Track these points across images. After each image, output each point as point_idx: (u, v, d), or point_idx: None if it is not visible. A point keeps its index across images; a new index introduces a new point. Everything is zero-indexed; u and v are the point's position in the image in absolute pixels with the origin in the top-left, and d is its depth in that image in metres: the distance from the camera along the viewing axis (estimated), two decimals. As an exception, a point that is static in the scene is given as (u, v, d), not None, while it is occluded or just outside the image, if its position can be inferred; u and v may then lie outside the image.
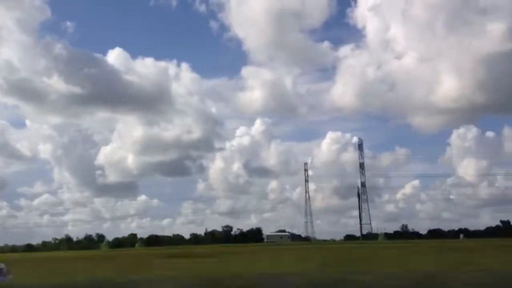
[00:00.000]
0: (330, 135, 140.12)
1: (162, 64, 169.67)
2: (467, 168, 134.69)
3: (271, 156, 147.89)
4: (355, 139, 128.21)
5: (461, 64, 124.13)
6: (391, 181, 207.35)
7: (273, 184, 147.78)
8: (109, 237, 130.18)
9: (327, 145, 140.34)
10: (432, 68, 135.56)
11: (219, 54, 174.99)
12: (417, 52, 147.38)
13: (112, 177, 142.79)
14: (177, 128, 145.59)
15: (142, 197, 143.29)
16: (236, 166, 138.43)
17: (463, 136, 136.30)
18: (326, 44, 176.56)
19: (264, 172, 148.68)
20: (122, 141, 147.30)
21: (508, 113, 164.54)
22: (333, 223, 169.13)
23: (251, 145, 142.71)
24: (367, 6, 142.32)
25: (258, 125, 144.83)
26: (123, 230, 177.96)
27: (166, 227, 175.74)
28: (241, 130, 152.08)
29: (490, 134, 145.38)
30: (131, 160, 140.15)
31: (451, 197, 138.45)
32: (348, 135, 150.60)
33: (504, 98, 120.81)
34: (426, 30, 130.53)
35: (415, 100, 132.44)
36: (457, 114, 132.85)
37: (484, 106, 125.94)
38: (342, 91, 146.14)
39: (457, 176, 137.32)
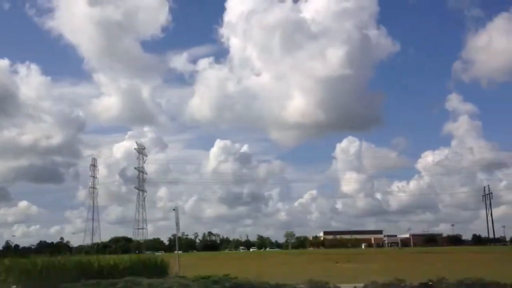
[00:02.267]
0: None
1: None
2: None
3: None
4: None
5: (304, 85, 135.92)
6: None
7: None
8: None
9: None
10: (281, 87, 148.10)
11: (57, 58, 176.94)
12: (269, 70, 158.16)
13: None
14: (34, 132, 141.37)
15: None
16: (112, 174, 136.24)
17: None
18: (184, 56, 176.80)
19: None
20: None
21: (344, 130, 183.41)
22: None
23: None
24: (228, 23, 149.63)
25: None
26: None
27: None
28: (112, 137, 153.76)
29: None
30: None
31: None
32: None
33: (340, 116, 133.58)
34: (274, 50, 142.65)
35: (268, 114, 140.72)
36: (305, 129, 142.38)
37: (326, 122, 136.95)
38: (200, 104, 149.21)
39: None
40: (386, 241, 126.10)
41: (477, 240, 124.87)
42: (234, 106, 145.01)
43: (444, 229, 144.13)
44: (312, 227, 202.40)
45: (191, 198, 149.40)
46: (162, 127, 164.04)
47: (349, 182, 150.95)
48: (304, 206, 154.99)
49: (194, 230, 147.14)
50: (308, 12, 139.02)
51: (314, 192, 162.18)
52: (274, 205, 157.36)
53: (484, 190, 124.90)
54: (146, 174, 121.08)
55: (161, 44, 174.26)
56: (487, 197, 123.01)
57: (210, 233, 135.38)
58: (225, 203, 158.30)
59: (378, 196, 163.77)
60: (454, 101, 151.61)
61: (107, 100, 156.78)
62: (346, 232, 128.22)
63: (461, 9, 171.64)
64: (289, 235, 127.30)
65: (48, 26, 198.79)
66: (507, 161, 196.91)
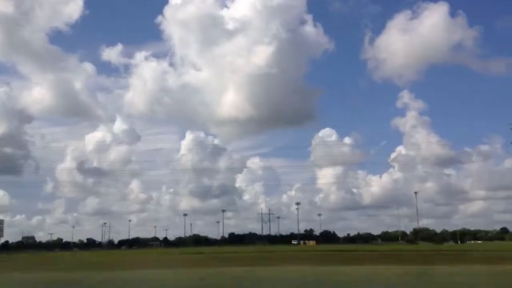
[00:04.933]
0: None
1: None
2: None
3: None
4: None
5: (234, 81, 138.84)
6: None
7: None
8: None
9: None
10: (211, 83, 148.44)
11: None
12: (196, 66, 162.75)
13: None
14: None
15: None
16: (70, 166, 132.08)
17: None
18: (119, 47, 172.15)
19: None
20: None
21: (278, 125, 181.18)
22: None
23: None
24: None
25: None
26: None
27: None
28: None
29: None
30: None
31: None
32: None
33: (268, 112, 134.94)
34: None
35: (204, 110, 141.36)
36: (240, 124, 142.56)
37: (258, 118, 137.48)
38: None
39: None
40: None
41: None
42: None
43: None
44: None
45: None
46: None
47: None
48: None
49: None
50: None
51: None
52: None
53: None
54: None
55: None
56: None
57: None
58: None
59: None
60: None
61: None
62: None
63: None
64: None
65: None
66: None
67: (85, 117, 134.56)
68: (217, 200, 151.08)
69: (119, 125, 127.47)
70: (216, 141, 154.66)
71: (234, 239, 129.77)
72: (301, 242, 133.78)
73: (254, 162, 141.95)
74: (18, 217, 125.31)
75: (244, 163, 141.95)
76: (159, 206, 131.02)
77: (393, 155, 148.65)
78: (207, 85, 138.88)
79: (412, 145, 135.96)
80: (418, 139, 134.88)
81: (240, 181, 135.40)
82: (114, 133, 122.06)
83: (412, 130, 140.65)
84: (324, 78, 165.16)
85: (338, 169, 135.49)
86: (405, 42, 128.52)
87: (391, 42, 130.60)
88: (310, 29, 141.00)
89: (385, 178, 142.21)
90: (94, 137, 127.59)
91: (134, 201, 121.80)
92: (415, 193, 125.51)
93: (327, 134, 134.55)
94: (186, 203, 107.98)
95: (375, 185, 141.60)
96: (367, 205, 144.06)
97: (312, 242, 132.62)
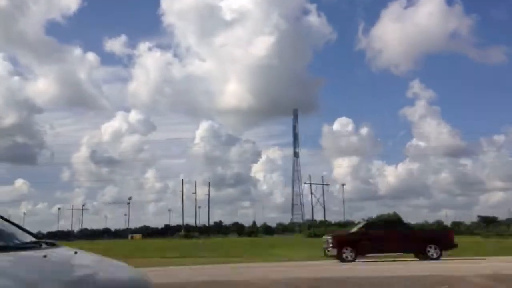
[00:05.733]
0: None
1: None
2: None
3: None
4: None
5: (236, 72, 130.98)
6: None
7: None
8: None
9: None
10: (215, 74, 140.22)
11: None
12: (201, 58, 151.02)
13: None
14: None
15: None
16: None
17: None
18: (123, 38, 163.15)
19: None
20: None
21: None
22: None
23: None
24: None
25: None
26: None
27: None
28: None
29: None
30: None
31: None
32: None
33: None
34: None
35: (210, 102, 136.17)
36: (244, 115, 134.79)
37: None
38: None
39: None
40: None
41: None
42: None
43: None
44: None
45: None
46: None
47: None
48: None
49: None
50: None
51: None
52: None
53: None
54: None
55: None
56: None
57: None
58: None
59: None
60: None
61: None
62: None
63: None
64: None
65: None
66: None
67: (91, 107, 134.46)
68: (234, 189, 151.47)
69: (131, 115, 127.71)
70: (230, 131, 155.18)
71: (269, 229, 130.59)
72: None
73: (271, 152, 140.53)
74: (40, 205, 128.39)
75: (260, 152, 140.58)
76: (175, 195, 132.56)
77: (407, 146, 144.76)
78: (213, 76, 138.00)
79: (423, 136, 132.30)
80: (429, 129, 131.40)
81: (255, 170, 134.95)
82: (130, 123, 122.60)
83: (421, 120, 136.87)
84: (327, 68, 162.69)
85: (354, 159, 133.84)
86: (400, 31, 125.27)
87: (387, 31, 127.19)
88: (313, 19, 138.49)
89: (401, 168, 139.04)
90: (109, 126, 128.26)
91: (151, 190, 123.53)
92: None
93: (343, 123, 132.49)
94: (202, 191, 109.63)
95: (391, 175, 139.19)
96: (383, 196, 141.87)
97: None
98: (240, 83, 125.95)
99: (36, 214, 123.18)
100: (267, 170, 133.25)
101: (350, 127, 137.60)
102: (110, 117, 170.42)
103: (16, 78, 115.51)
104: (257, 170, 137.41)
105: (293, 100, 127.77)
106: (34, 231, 3.14)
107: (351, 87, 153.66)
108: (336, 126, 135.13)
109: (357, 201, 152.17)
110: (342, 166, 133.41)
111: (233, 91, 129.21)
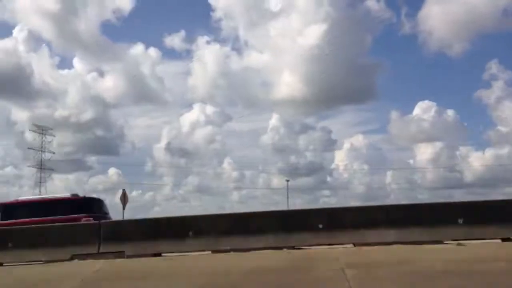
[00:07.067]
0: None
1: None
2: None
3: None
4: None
5: (290, 63, 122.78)
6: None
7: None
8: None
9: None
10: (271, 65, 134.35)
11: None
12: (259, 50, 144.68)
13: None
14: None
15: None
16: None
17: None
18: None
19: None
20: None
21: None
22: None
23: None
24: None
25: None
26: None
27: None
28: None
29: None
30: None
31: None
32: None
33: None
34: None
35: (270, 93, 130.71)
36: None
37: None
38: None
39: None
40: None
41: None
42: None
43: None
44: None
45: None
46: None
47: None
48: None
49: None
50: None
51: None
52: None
53: None
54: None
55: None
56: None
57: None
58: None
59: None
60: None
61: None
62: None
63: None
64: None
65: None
66: None
67: (159, 101, 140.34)
68: (310, 178, 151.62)
69: (203, 107, 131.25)
70: (306, 120, 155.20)
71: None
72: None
73: (350, 141, 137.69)
74: (134, 193, 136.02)
75: (335, 141, 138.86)
76: (255, 184, 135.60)
77: (489, 130, 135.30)
78: (271, 67, 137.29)
79: (506, 119, 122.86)
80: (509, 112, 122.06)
81: (333, 159, 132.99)
82: (206, 114, 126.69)
83: (499, 103, 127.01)
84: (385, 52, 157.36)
85: (437, 145, 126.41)
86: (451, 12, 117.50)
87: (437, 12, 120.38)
88: (371, 3, 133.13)
89: (489, 154, 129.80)
90: (184, 119, 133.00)
91: (229, 179, 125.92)
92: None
93: (426, 107, 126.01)
94: (278, 181, 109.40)
95: (478, 162, 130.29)
96: (471, 183, 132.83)
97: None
98: (303, 72, 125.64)
99: (133, 201, 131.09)
100: (345, 159, 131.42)
101: (432, 111, 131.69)
102: (182, 110, 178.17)
103: (89, 76, 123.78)
104: (335, 159, 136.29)
105: (361, 86, 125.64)
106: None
107: (414, 70, 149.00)
108: (416, 110, 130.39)
109: (442, 189, 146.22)
110: (425, 153, 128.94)
111: (297, 81, 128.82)
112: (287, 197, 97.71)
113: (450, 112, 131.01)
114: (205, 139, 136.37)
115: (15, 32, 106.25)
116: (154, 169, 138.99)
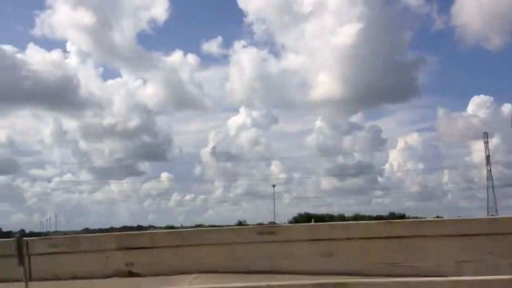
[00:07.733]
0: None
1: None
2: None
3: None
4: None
5: (328, 63, 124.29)
6: None
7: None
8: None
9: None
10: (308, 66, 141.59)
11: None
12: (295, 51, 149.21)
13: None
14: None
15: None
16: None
17: None
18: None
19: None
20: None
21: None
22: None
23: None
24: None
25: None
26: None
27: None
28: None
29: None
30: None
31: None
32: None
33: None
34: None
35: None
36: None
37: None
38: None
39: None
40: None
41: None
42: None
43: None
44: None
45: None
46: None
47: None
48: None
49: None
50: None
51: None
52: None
53: None
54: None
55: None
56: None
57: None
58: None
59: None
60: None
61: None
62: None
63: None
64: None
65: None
66: None
67: (197, 107, 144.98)
68: (359, 179, 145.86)
69: (248, 112, 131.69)
70: (353, 119, 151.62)
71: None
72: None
73: (400, 140, 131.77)
74: (187, 196, 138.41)
75: (385, 141, 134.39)
76: (304, 187, 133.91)
77: None
78: (309, 68, 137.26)
79: None
80: None
81: (386, 158, 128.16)
82: (253, 117, 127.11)
83: None
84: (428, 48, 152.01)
85: (494, 141, 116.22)
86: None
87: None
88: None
89: None
90: (233, 122, 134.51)
91: (277, 182, 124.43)
92: None
93: (481, 101, 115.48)
94: (328, 183, 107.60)
95: None
96: None
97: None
98: (343, 73, 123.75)
99: (183, 205, 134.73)
100: (398, 158, 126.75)
101: (488, 106, 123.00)
102: (225, 114, 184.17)
103: (132, 85, 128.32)
104: (388, 158, 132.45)
105: (403, 83, 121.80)
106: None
107: (458, 65, 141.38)
108: (471, 106, 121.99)
109: (503, 187, 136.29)
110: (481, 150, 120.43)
111: (335, 81, 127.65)
112: (274, 203, 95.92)
113: (503, 107, 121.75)
114: (251, 142, 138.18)
115: (60, 46, 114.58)
116: (202, 173, 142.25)
